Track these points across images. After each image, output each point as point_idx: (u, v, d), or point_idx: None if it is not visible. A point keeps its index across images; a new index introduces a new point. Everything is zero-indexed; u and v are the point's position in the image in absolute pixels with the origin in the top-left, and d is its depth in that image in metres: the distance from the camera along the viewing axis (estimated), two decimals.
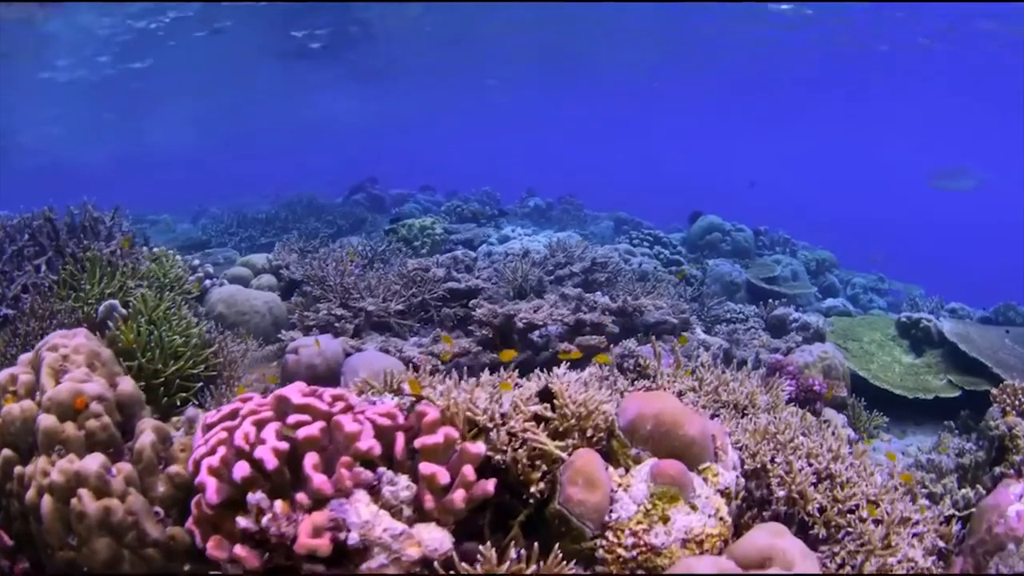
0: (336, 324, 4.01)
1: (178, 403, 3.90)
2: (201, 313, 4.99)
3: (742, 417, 2.55)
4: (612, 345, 3.50)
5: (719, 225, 10.15)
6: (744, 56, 16.64)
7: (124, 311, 4.20)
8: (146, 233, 5.58)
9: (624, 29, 15.13)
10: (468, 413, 1.67)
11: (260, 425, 1.71)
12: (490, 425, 1.65)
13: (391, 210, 13.50)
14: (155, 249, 5.62)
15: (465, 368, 3.53)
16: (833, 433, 2.23)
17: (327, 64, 18.00)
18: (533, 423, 1.67)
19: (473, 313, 3.88)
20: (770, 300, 5.77)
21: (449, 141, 40.64)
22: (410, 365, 3.52)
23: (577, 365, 4.01)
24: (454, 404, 1.68)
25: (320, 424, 1.62)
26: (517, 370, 2.08)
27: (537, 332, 3.80)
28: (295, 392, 1.73)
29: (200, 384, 3.91)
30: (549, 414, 1.70)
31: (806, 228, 11.33)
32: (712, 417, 2.48)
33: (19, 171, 26.00)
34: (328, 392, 1.79)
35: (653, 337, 3.32)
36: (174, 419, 3.75)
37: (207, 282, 5.48)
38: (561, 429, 1.66)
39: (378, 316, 4.12)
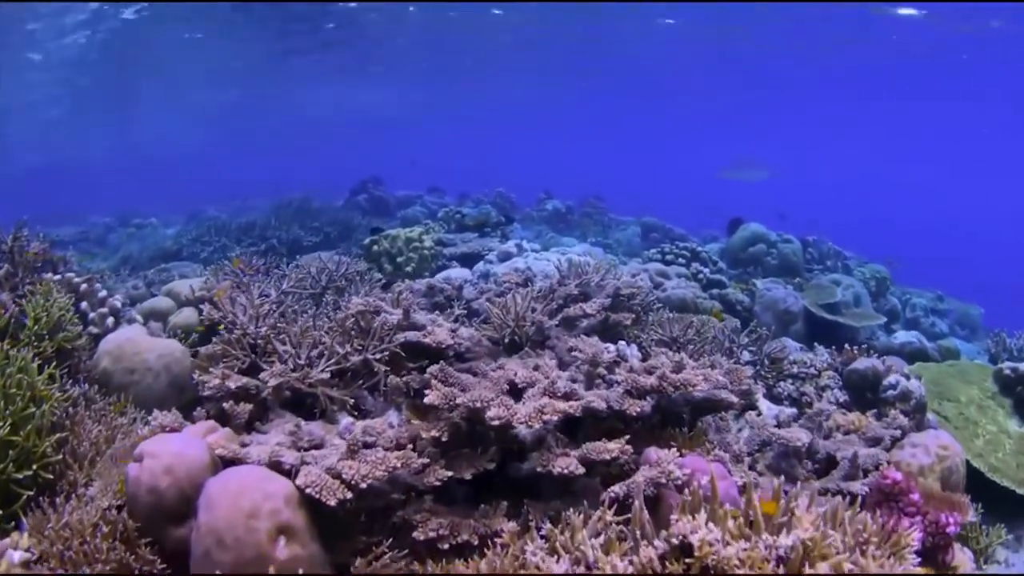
0: (224, 405, 2.69)
1: None
2: (88, 369, 3.72)
3: None
4: (636, 459, 2.14)
5: (763, 235, 8.67)
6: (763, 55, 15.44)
7: None
8: (57, 255, 4.35)
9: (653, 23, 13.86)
10: None
11: None
12: None
13: (395, 213, 12.26)
14: (67, 276, 4.40)
15: (401, 494, 2.22)
16: None
17: (332, 60, 16.91)
18: None
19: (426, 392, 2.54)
20: (846, 346, 4.34)
21: (461, 141, 39.22)
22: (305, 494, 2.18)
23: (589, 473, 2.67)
24: None
25: None
26: None
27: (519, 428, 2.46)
28: None
29: (29, 494, 2.63)
30: None
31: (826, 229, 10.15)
32: None
33: (12, 170, 25.26)
34: None
35: (712, 468, 1.95)
36: None
37: (108, 320, 4.22)
38: None
39: (291, 389, 2.79)
